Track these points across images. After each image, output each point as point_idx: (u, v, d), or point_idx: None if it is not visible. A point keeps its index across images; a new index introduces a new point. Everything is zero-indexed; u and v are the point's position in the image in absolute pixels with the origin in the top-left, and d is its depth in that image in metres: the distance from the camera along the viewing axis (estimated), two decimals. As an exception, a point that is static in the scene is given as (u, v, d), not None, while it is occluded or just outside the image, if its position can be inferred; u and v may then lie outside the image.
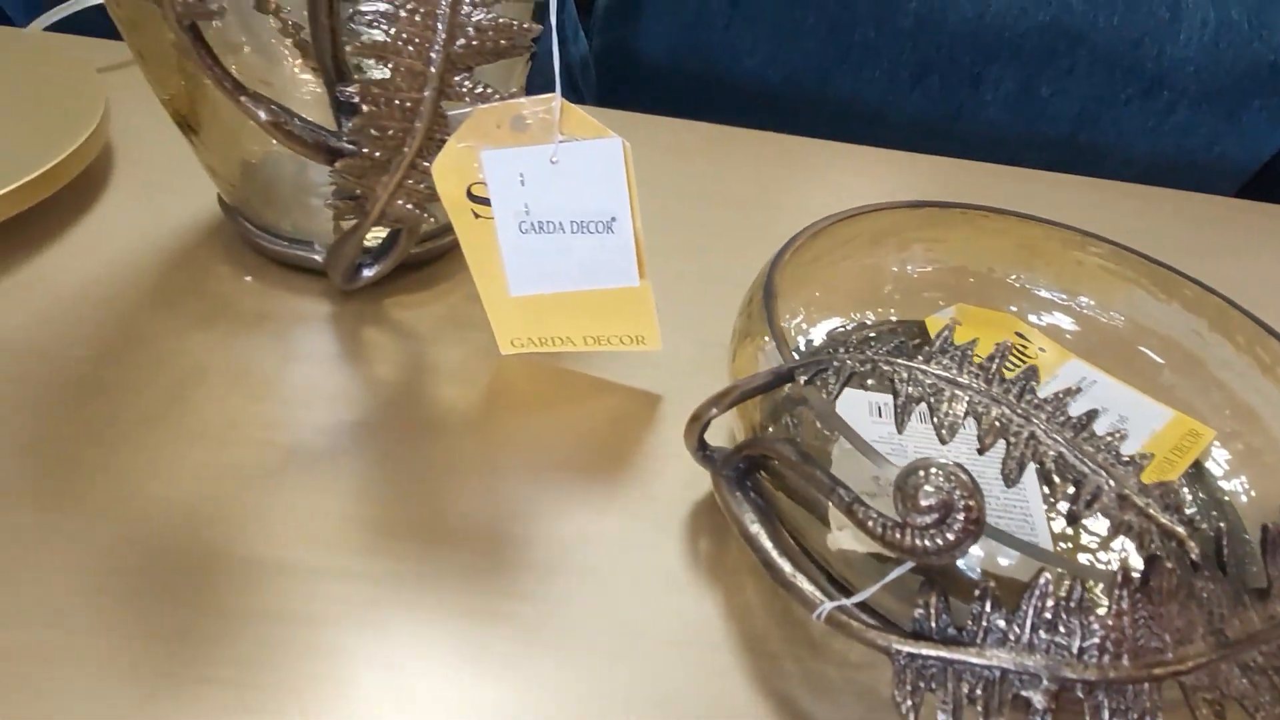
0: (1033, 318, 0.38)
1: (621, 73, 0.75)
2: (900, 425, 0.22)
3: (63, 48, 0.47)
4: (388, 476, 0.29)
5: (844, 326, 0.36)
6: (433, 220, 0.31)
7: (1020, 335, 0.37)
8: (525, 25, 0.26)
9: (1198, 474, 0.33)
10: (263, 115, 0.27)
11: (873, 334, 0.37)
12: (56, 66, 0.45)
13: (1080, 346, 0.37)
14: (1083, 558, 0.29)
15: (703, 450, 0.28)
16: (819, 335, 0.36)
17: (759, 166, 0.55)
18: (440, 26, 0.25)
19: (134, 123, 0.46)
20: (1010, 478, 0.21)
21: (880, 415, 0.32)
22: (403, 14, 0.25)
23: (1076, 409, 0.22)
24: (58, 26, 0.55)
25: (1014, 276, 0.38)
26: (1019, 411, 0.21)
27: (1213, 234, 0.56)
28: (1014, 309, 0.38)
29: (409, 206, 0.30)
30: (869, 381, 0.22)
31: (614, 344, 0.34)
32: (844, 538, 0.26)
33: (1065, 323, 0.38)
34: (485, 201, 0.29)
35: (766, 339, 0.28)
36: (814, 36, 0.70)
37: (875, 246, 0.36)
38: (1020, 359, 0.36)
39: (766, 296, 0.28)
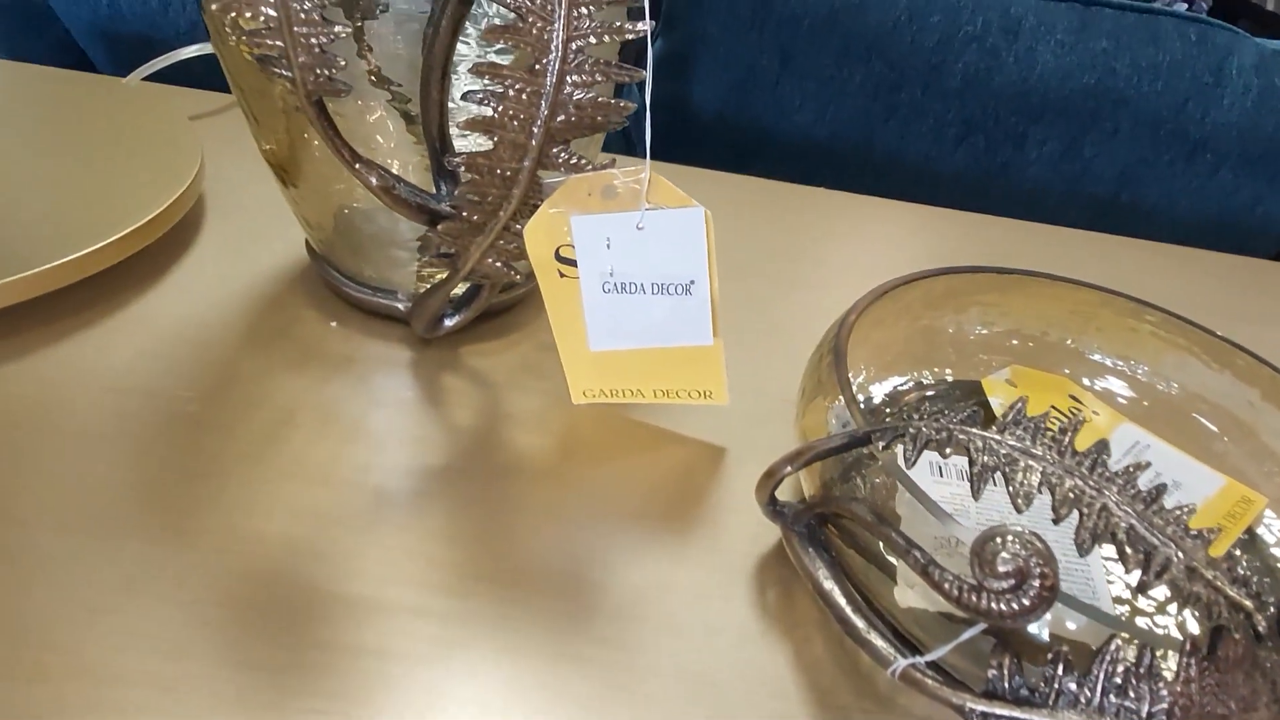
0: (1086, 381, 0.39)
1: (672, 125, 0.77)
2: (976, 493, 0.23)
3: (159, 97, 0.50)
4: (470, 520, 0.31)
5: (903, 385, 0.38)
6: (517, 277, 0.33)
7: (1074, 398, 0.38)
8: (622, 104, 0.28)
9: (1250, 540, 0.34)
10: (374, 181, 0.29)
11: (930, 392, 0.38)
12: (154, 116, 0.48)
13: (1133, 411, 0.38)
14: (1140, 621, 0.30)
15: (773, 505, 0.29)
16: (878, 393, 0.37)
17: (808, 221, 0.57)
18: (544, 104, 0.27)
19: (225, 169, 0.48)
20: (1084, 547, 0.22)
21: (940, 475, 0.33)
22: (510, 93, 0.27)
23: (1126, 468, 0.23)
24: (153, 76, 0.58)
25: (1068, 340, 0.39)
26: (1091, 484, 0.22)
27: (1257, 299, 0.57)
28: (1068, 372, 0.39)
29: (498, 264, 0.32)
30: (946, 450, 0.24)
31: (682, 398, 0.35)
32: (912, 595, 0.27)
33: (1118, 387, 0.39)
34: (571, 262, 0.31)
35: (837, 400, 0.29)
36: (861, 95, 0.72)
37: (933, 309, 0.38)
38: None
39: (836, 360, 0.30)
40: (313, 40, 0.25)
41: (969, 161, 0.72)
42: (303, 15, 0.24)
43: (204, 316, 0.38)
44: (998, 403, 0.37)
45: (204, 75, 0.60)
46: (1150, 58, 0.68)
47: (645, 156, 0.29)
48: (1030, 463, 0.23)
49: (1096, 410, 0.38)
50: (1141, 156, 0.70)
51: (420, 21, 0.29)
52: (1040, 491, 0.23)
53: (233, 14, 0.24)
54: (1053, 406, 0.38)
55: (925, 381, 0.38)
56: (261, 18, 0.25)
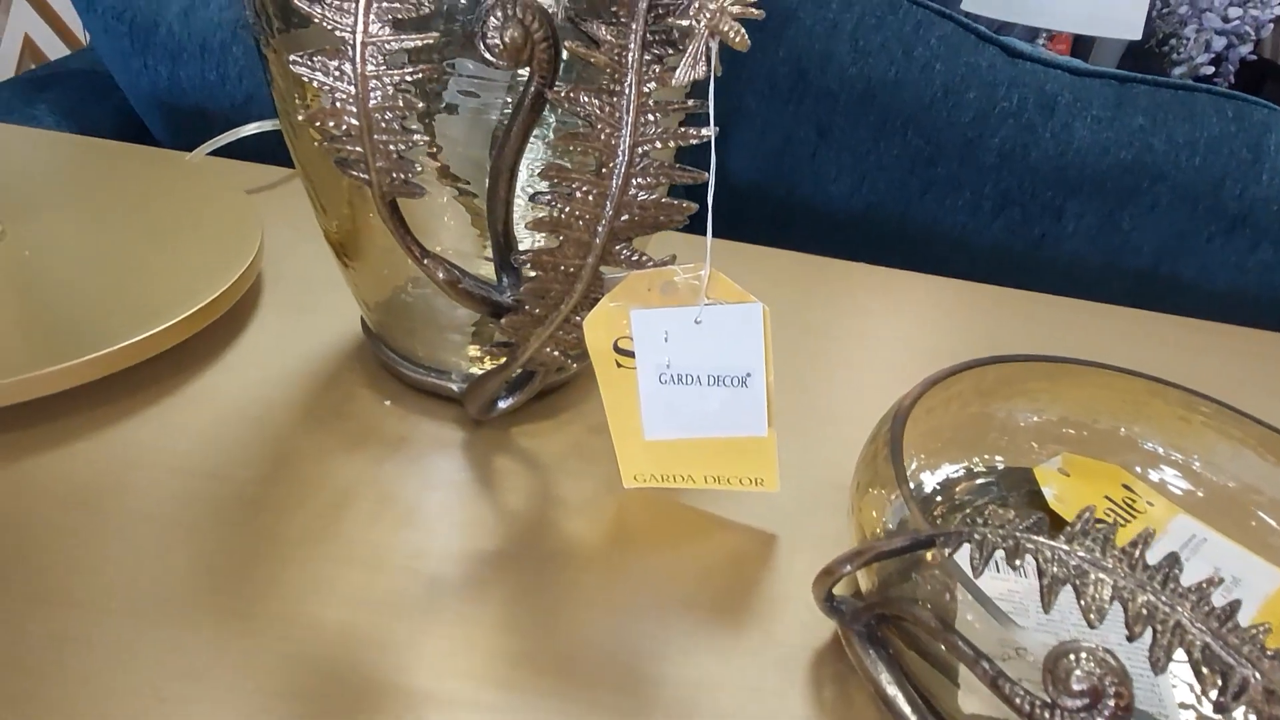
0: (1140, 470, 0.39)
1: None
2: (1047, 605, 0.23)
3: (219, 171, 0.52)
4: (524, 609, 0.31)
5: (955, 472, 0.38)
6: (574, 366, 0.33)
7: (1127, 488, 0.38)
8: (684, 205, 0.28)
9: (1317, 642, 0.33)
10: (441, 275, 0.30)
11: (982, 480, 0.38)
12: (214, 191, 0.49)
13: (1189, 502, 0.38)
14: (1207, 728, 0.29)
15: (830, 602, 0.29)
16: (930, 481, 0.37)
17: (849, 297, 0.57)
18: (609, 205, 0.28)
19: (282, 243, 0.50)
20: (1159, 666, 0.21)
21: (997, 569, 0.33)
22: (577, 195, 0.27)
23: (1187, 570, 0.22)
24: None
25: (1120, 429, 0.39)
26: (1164, 599, 0.22)
27: (1306, 378, 0.57)
28: (1121, 461, 0.39)
29: (556, 353, 0.32)
30: (1015, 561, 0.24)
31: (733, 484, 0.35)
32: (976, 702, 0.26)
33: (1173, 477, 0.38)
34: (629, 353, 0.31)
35: (894, 495, 0.29)
36: (898, 168, 0.73)
37: (984, 396, 0.38)
38: (1128, 512, 0.37)
39: (893, 456, 0.30)
40: (391, 147, 0.26)
41: (1006, 233, 0.73)
42: (383, 124, 0.26)
43: (263, 394, 0.39)
44: (1051, 493, 0.37)
45: (261, 148, 0.62)
46: (1187, 134, 0.68)
47: (707, 254, 0.29)
48: (1101, 576, 0.23)
49: (1151, 501, 0.38)
50: (1180, 231, 0.70)
51: (486, 118, 0.30)
52: (1111, 605, 0.23)
53: (318, 123, 0.25)
54: (1106, 496, 0.37)
55: (976, 469, 0.38)
56: (344, 126, 0.26)
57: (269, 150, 0.64)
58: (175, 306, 0.39)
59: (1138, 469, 0.39)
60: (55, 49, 2.28)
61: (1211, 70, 2.36)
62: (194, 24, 0.76)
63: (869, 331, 0.53)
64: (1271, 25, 2.35)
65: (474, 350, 0.38)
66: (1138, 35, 1.86)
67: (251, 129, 0.57)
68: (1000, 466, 0.38)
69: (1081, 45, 2.30)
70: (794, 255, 0.63)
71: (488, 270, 0.32)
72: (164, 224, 0.46)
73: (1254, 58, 2.33)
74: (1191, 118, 0.69)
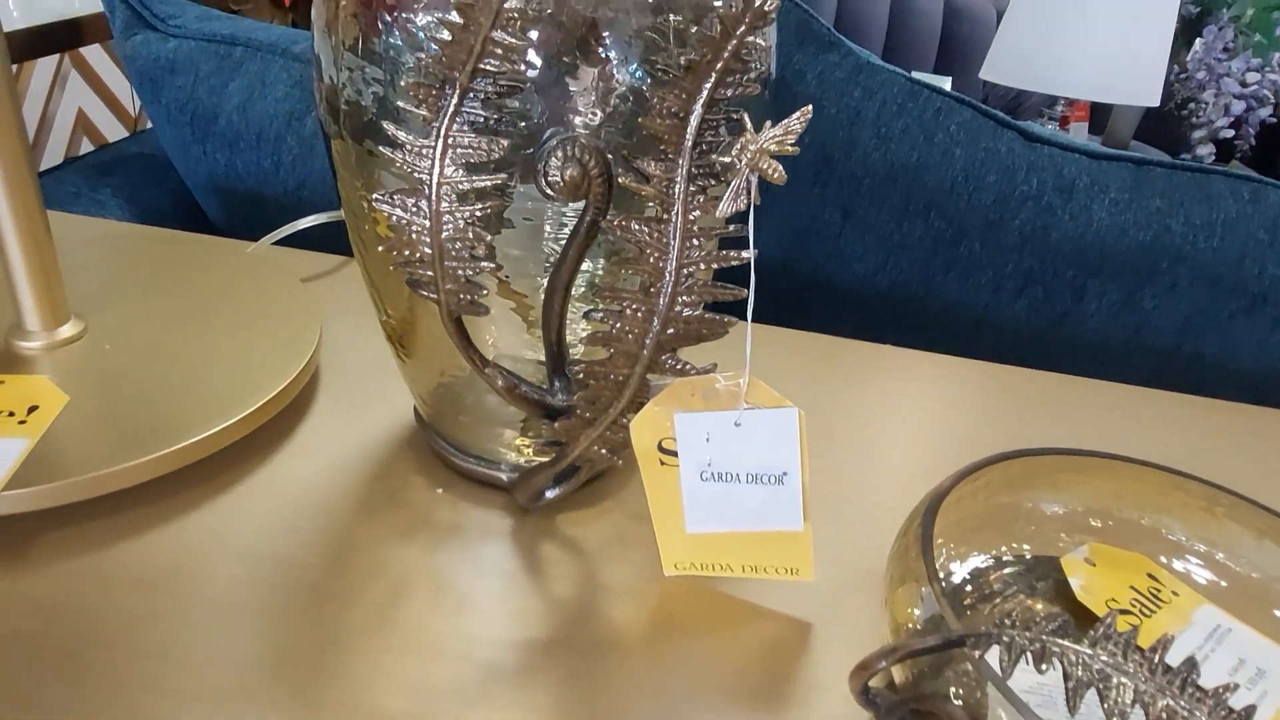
0: (1164, 560, 0.40)
1: (735, 268, 0.81)
2: (1073, 708, 0.24)
3: (276, 260, 0.55)
4: (574, 694, 0.32)
5: (983, 563, 0.39)
6: (619, 463, 0.35)
7: (1152, 577, 0.39)
8: (725, 320, 0.31)
9: (1345, 736, 0.34)
10: (500, 383, 0.32)
11: (1009, 569, 0.39)
12: (273, 281, 0.53)
13: (1213, 592, 0.39)
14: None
15: (866, 694, 0.31)
16: (960, 571, 0.38)
17: (874, 379, 0.59)
18: (656, 321, 0.30)
19: (338, 331, 0.53)
20: (1182, 770, 0.23)
21: (1026, 661, 0.34)
22: (627, 312, 0.30)
23: (1212, 660, 0.24)
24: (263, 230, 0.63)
25: (1144, 519, 0.40)
26: (1183, 703, 0.24)
27: (1331, 459, 0.57)
28: (1146, 551, 0.40)
29: (603, 451, 0.35)
30: (1042, 665, 0.25)
31: (769, 574, 0.37)
32: (1009, 797, 0.27)
33: (1197, 567, 0.39)
34: (672, 453, 0.34)
35: (926, 589, 0.30)
36: (921, 247, 0.75)
37: (1011, 487, 0.39)
38: (1153, 602, 0.38)
39: (924, 552, 0.32)
40: (460, 272, 0.29)
41: (1029, 312, 0.74)
42: (454, 252, 0.28)
43: (322, 481, 0.41)
44: (1078, 584, 0.38)
45: (315, 233, 0.66)
46: (1204, 215, 0.70)
47: (746, 363, 0.31)
48: (1124, 680, 0.24)
49: (1176, 591, 0.39)
50: (1201, 310, 0.71)
51: (541, 233, 0.32)
52: (1134, 709, 0.24)
53: (394, 253, 0.28)
54: (1132, 586, 0.39)
55: (1005, 559, 0.39)
56: (418, 255, 0.28)
57: (323, 235, 0.68)
58: (242, 400, 0.41)
59: (1162, 559, 0.40)
60: (107, 122, 2.38)
61: (1232, 134, 2.39)
62: (252, 115, 0.81)
63: (898, 414, 0.55)
64: (1290, 89, 2.37)
65: (521, 441, 0.40)
66: (1156, 102, 1.89)
67: (308, 222, 0.61)
68: (1028, 556, 0.40)
69: (1100, 111, 2.34)
70: (820, 337, 0.65)
71: (527, 352, 0.34)
72: (229, 315, 0.49)
73: (1274, 120, 2.36)
74: (1208, 199, 0.71)
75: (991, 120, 0.74)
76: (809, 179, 0.76)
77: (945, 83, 2.75)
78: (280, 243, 0.62)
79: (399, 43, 0.30)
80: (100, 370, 0.43)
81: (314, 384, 0.48)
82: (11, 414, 0.38)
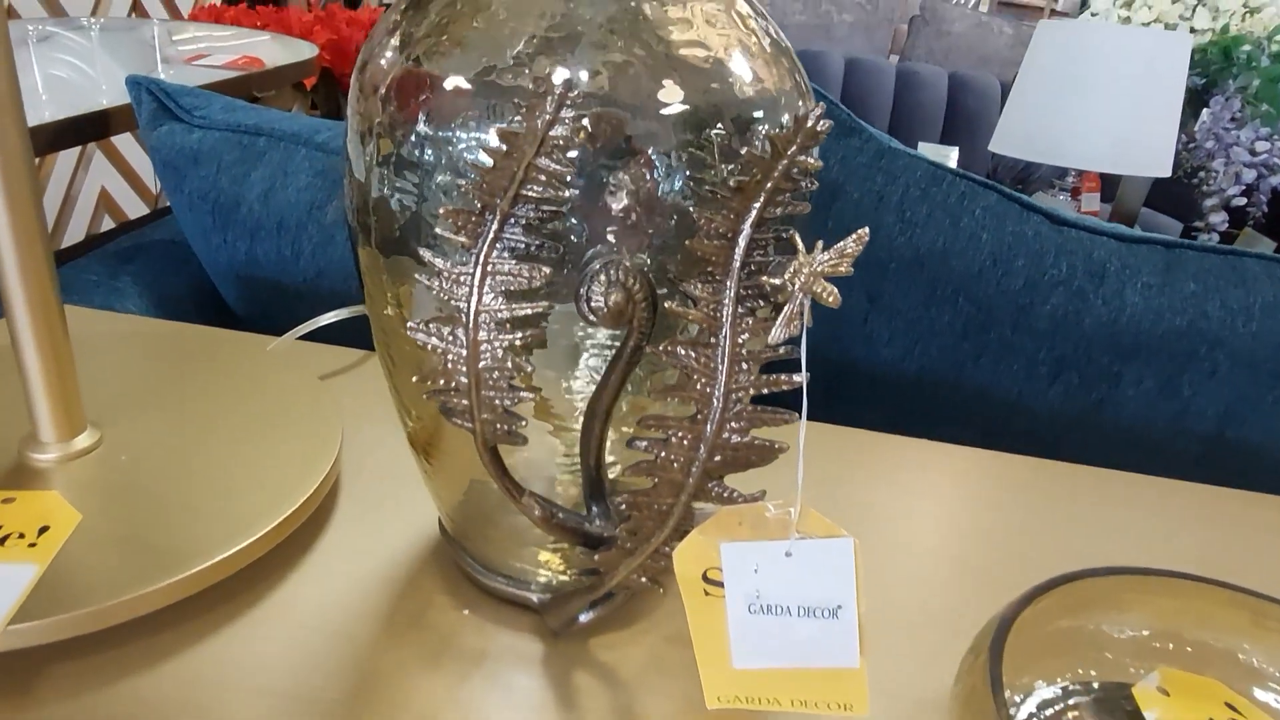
0: (1241, 685, 0.37)
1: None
2: None
3: (295, 356, 0.54)
4: None
5: (1049, 695, 0.36)
6: (660, 591, 0.33)
7: (1231, 707, 0.36)
8: (776, 445, 0.29)
9: None
10: (537, 512, 0.30)
11: (1076, 699, 0.36)
12: (295, 381, 0.51)
13: (1300, 725, 0.36)
14: None
15: None
16: (1025, 705, 0.36)
17: (909, 475, 0.57)
18: (703, 449, 0.28)
19: (357, 433, 0.51)
20: None
21: (1107, 812, 0.31)
22: (673, 440, 0.28)
23: None
24: (280, 315, 0.62)
25: (1219, 643, 0.37)
26: None
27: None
28: (1220, 675, 0.37)
29: (643, 580, 0.32)
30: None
31: (820, 709, 0.34)
32: None
33: (1276, 697, 0.37)
34: (717, 583, 0.31)
35: (998, 741, 0.28)
36: (950, 333, 0.73)
37: (1073, 611, 0.37)
38: (1235, 735, 0.35)
39: (995, 694, 0.29)
40: (498, 402, 0.27)
41: (1064, 399, 0.72)
42: (492, 381, 0.27)
43: (343, 602, 0.39)
44: (1154, 717, 0.35)
45: (334, 326, 0.65)
46: (1240, 300, 0.69)
47: (798, 490, 0.29)
48: None
49: (1259, 723, 0.36)
50: (1243, 395, 0.69)
51: (578, 354, 0.31)
52: None
53: (430, 383, 0.27)
54: (1210, 718, 0.36)
55: (1072, 688, 0.37)
56: (454, 384, 0.27)
57: (341, 326, 0.67)
58: (260, 517, 0.40)
59: (1239, 684, 0.37)
60: (130, 200, 2.42)
61: (1244, 201, 2.39)
62: (273, 204, 0.81)
63: (937, 517, 0.52)
64: (1300, 157, 2.39)
65: (551, 559, 0.38)
66: (1167, 172, 1.90)
67: (330, 318, 0.60)
68: (1096, 685, 0.37)
69: (1110, 181, 2.35)
70: (850, 432, 0.63)
71: (561, 474, 0.33)
72: (248, 420, 0.47)
73: (1285, 188, 2.36)
74: (1243, 283, 0.69)
75: (1017, 204, 0.74)
76: (833, 264, 0.75)
77: (952, 153, 2.79)
78: (300, 336, 0.61)
79: (432, 159, 0.29)
80: (115, 485, 0.41)
81: (334, 493, 0.46)
82: (21, 536, 0.37)
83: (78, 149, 2.18)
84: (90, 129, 0.93)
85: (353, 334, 0.66)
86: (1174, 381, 0.70)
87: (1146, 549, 0.53)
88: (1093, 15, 2.61)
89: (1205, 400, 0.70)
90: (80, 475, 0.42)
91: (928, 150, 2.77)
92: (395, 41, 0.31)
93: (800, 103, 0.32)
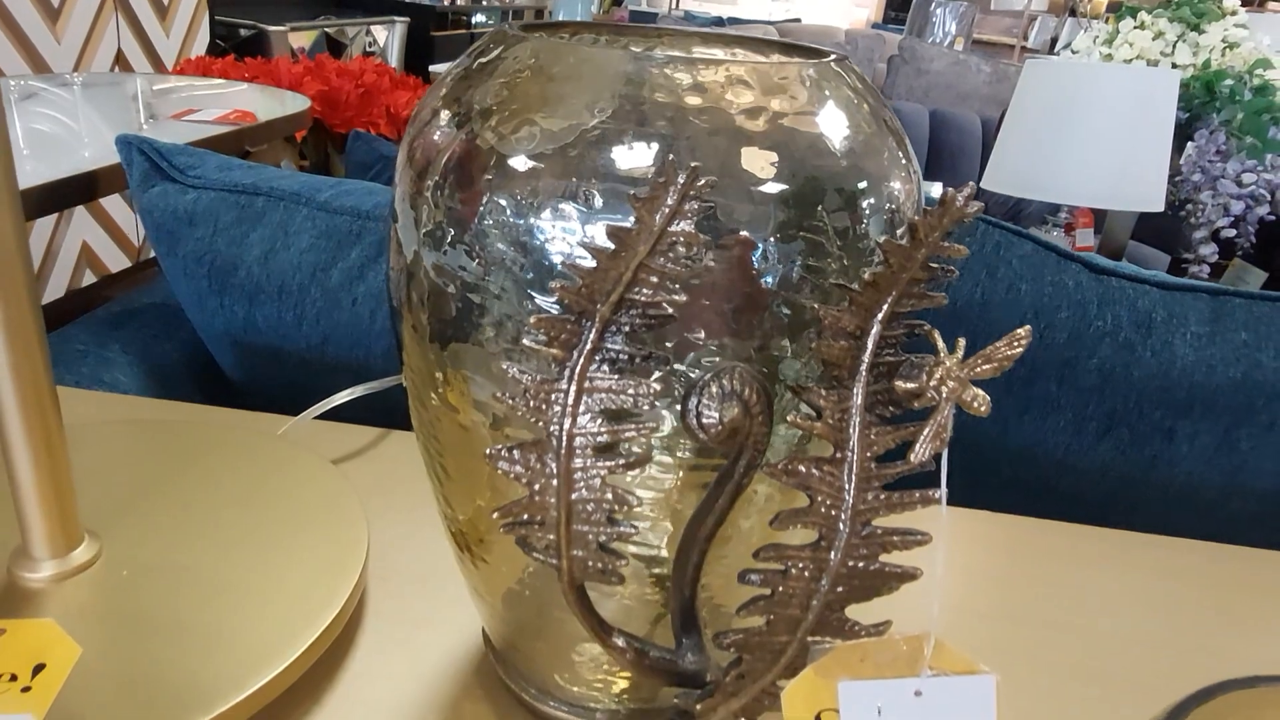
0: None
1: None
2: None
3: (309, 439, 0.49)
4: None
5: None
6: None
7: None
8: (909, 571, 0.25)
9: None
10: (628, 655, 0.26)
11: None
12: (309, 471, 0.47)
13: None
14: None
15: None
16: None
17: (980, 550, 0.53)
18: (825, 581, 0.24)
19: (386, 532, 0.46)
20: None
21: None
22: (792, 571, 0.24)
23: None
24: (277, 377, 0.58)
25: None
26: None
27: None
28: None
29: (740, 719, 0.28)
30: None
31: None
32: None
33: None
34: (833, 726, 0.27)
35: None
36: (994, 387, 0.70)
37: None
38: None
39: None
40: (591, 537, 0.23)
41: (1115, 455, 0.69)
42: (586, 514, 0.23)
43: (381, 738, 0.34)
44: None
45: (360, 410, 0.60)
46: (1295, 349, 0.66)
47: (932, 620, 0.25)
48: None
49: None
50: (1304, 450, 0.66)
51: (667, 469, 0.27)
52: None
53: (509, 519, 0.23)
54: None
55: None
56: (540, 517, 0.23)
57: (352, 403, 0.62)
58: (283, 641, 0.35)
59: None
60: (111, 254, 2.37)
61: (1233, 232, 2.40)
62: (273, 266, 0.77)
63: (1001, 601, 0.48)
64: (1286, 187, 2.41)
65: (612, 677, 0.34)
66: (1159, 206, 1.90)
67: (345, 396, 0.55)
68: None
69: (1099, 214, 2.36)
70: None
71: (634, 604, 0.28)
72: (261, 520, 0.43)
73: (1272, 218, 2.38)
74: (1296, 331, 0.66)
75: (1054, 253, 0.71)
76: (865, 318, 0.72)
77: (936, 188, 2.80)
78: (293, 390, 0.57)
79: (499, 247, 0.25)
80: (117, 608, 0.37)
81: (362, 602, 0.42)
82: (14, 678, 0.32)
83: (58, 203, 2.14)
84: (76, 193, 0.88)
85: (364, 409, 0.62)
86: (1231, 436, 0.67)
87: (1211, 618, 0.49)
88: (1073, 53, 2.64)
89: (1264, 456, 0.67)
90: (78, 597, 0.37)
91: (915, 187, 2.78)
92: (450, 112, 0.27)
93: (905, 164, 0.29)
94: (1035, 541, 0.57)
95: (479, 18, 4.76)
